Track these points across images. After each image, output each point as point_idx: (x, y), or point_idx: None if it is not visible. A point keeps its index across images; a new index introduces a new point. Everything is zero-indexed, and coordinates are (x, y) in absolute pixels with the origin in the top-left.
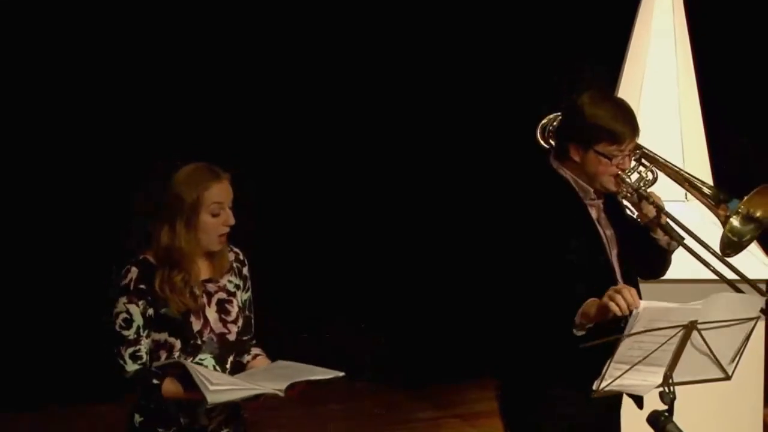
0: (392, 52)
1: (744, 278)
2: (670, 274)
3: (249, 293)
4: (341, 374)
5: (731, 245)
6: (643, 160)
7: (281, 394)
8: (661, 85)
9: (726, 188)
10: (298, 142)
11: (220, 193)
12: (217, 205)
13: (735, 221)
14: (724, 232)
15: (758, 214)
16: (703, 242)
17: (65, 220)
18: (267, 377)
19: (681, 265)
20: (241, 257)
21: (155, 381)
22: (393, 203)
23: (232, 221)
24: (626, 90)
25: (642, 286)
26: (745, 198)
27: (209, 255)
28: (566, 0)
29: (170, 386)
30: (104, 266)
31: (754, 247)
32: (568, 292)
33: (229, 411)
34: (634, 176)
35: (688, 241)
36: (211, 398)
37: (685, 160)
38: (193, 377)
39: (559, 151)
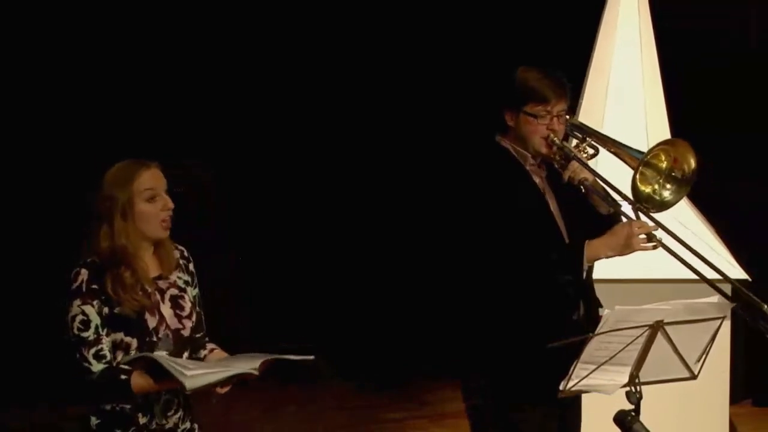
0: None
1: (703, 278)
2: (641, 274)
3: (197, 289)
4: (311, 358)
5: (649, 200)
6: (575, 132)
7: (256, 372)
8: (626, 94)
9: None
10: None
11: (150, 178)
12: (150, 191)
13: (644, 170)
14: (634, 179)
15: (663, 165)
16: (677, 236)
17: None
18: (234, 362)
19: (653, 265)
20: (186, 254)
21: (123, 376)
22: (364, 202)
23: (171, 205)
24: (590, 100)
25: (612, 286)
26: (649, 149)
27: (156, 250)
28: (527, 7)
29: (140, 380)
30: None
31: (719, 247)
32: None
33: (184, 409)
34: (572, 145)
35: (626, 208)
36: (189, 384)
37: None
38: (165, 368)
39: (499, 123)
